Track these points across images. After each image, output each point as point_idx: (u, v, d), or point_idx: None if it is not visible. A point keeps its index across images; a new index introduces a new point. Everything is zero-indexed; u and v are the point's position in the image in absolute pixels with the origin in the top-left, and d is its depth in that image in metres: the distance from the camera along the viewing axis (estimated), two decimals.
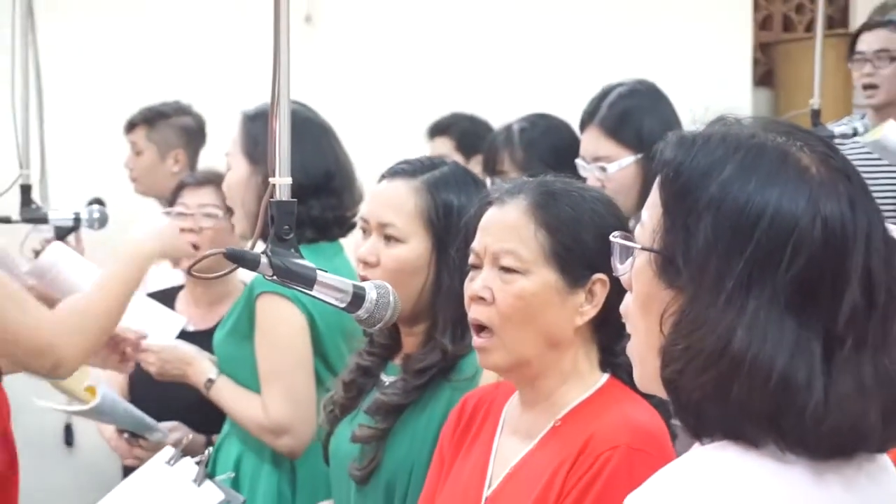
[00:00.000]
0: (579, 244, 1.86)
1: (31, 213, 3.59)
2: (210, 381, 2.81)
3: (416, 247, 2.24)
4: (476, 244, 1.91)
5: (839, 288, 1.18)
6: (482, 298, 1.87)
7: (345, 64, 4.60)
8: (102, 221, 3.69)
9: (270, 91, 1.92)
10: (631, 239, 1.31)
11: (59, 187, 3.75)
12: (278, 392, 2.67)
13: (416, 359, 2.23)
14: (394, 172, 2.30)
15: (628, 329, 1.33)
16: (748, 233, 1.18)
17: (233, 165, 2.82)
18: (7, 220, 3.49)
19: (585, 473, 1.74)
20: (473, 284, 1.89)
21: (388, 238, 2.24)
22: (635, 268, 1.29)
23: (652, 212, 1.27)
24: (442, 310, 2.21)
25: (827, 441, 1.18)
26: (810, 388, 1.16)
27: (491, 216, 1.91)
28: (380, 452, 2.21)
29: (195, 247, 3.22)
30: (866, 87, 4.23)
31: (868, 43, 4.26)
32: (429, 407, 2.21)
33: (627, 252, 1.31)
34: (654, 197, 1.28)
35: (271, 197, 1.91)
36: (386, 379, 2.29)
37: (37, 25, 3.60)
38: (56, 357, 2.31)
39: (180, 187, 3.35)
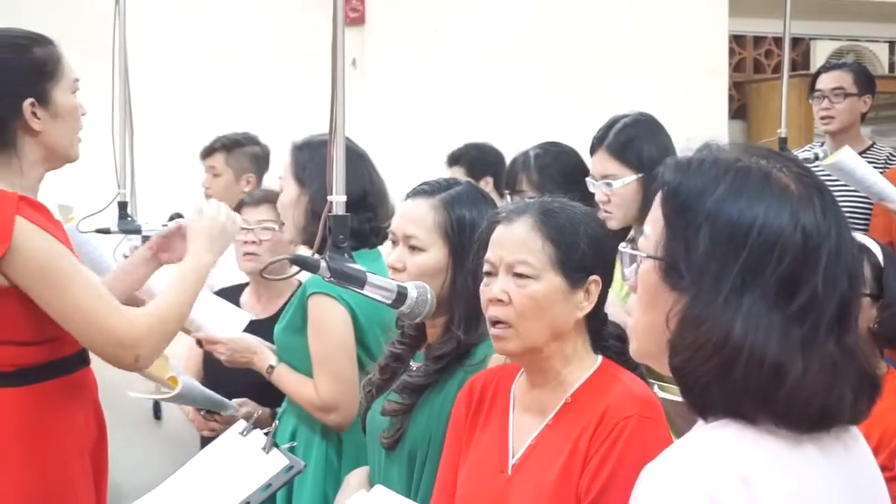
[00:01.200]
0: (578, 252, 1.89)
1: (127, 225, 3.60)
2: (271, 367, 2.81)
3: (435, 254, 2.25)
4: (490, 256, 1.93)
5: (810, 281, 1.19)
6: (500, 300, 1.89)
7: (384, 101, 4.62)
8: None
9: (328, 124, 1.97)
10: (636, 249, 1.31)
11: (145, 204, 3.79)
12: (327, 375, 2.68)
13: (435, 347, 2.24)
14: (416, 192, 2.32)
15: (631, 316, 1.35)
16: (741, 242, 1.20)
17: (285, 187, 2.82)
18: (107, 231, 3.50)
19: (606, 439, 1.77)
20: (492, 289, 1.91)
21: (412, 248, 2.25)
22: (640, 273, 1.30)
23: (655, 225, 1.28)
24: (457, 306, 2.22)
25: (807, 413, 1.19)
26: (793, 368, 1.17)
27: (502, 232, 1.94)
28: (405, 424, 2.22)
29: (255, 255, 3.28)
30: (823, 117, 4.27)
31: (825, 82, 4.30)
32: (446, 387, 2.21)
33: (633, 259, 1.32)
34: (657, 212, 1.29)
35: (329, 212, 1.95)
36: (414, 365, 2.30)
37: (129, 68, 3.64)
38: (138, 352, 2.30)
39: (240, 205, 3.37)
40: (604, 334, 1.97)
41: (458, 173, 4.27)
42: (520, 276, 1.89)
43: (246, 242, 3.27)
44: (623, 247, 1.36)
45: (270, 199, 3.11)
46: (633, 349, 1.35)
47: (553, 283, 1.89)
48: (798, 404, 1.19)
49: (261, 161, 4.08)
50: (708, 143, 1.31)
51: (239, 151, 4.05)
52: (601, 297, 1.92)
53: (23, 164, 2.31)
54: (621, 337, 1.97)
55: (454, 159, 4.20)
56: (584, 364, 1.93)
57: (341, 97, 1.98)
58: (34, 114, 2.29)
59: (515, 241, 1.91)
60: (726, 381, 1.19)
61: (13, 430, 2.27)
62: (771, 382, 1.18)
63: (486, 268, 1.95)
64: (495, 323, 1.91)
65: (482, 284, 1.95)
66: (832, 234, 1.22)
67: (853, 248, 1.25)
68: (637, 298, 1.32)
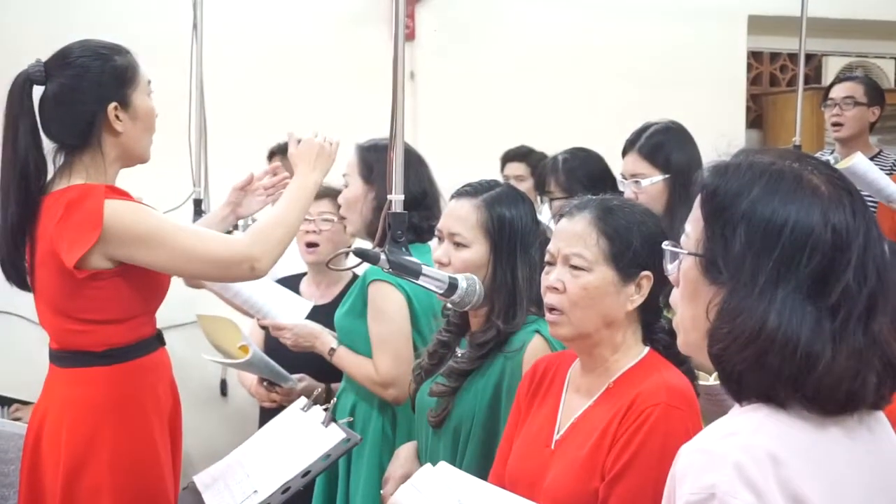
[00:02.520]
0: (631, 248, 1.87)
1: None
2: (332, 349, 2.83)
3: (477, 250, 2.25)
4: (551, 247, 1.93)
5: (841, 276, 1.18)
6: (556, 289, 1.89)
7: (439, 110, 4.63)
8: None
9: (389, 129, 1.97)
10: (678, 247, 1.30)
11: (217, 201, 3.80)
12: (387, 355, 2.68)
13: (477, 335, 2.25)
14: (460, 193, 2.33)
15: (675, 310, 1.33)
16: (775, 239, 1.18)
17: (350, 184, 2.84)
18: None
19: (633, 423, 1.76)
20: (550, 277, 1.91)
21: (457, 244, 2.26)
22: (682, 268, 1.29)
23: (695, 224, 1.27)
24: (497, 298, 2.23)
25: (834, 397, 1.18)
26: (824, 356, 1.16)
27: (563, 226, 1.93)
28: (450, 405, 2.24)
29: (315, 244, 3.28)
30: (834, 124, 4.23)
31: (837, 91, 4.26)
32: (487, 372, 2.22)
33: (674, 256, 1.31)
34: (696, 213, 1.28)
35: (389, 209, 1.95)
36: (459, 351, 2.31)
37: (204, 80, 3.67)
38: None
39: None
40: (654, 327, 1.94)
41: (520, 170, 4.30)
42: (575, 267, 1.88)
43: (307, 232, 3.27)
44: (666, 244, 1.34)
45: (331, 193, 3.10)
46: (680, 341, 1.34)
47: (605, 275, 1.87)
48: (826, 389, 1.17)
49: None
50: (745, 149, 1.30)
51: None
52: (654, 291, 1.89)
53: (105, 162, 2.33)
54: (671, 331, 1.93)
55: (515, 156, 4.22)
56: (631, 353, 1.91)
57: (401, 105, 1.98)
58: (117, 116, 2.31)
59: (573, 235, 1.90)
60: (761, 368, 1.18)
61: (105, 403, 2.30)
62: (803, 369, 1.16)
63: (546, 257, 1.94)
64: (551, 309, 1.91)
65: (543, 272, 1.95)
66: (861, 232, 1.21)
67: (882, 245, 1.24)
68: (679, 293, 1.31)
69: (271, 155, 4.05)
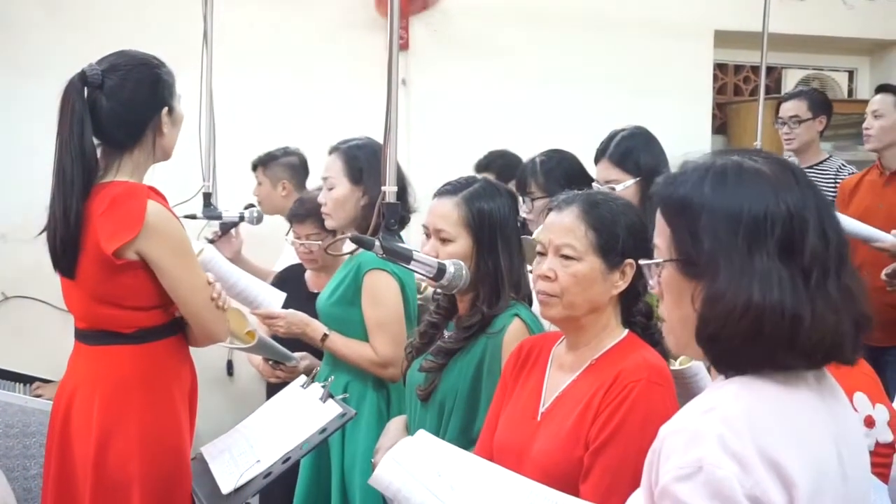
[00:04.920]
0: (616, 239, 1.88)
1: (210, 213, 3.65)
2: (325, 335, 2.82)
3: (462, 244, 2.26)
4: (542, 238, 1.94)
5: (805, 240, 1.20)
6: (548, 277, 1.90)
7: (425, 115, 4.63)
8: (259, 219, 3.76)
9: (384, 128, 1.97)
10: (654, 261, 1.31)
11: (225, 195, 3.80)
12: (385, 336, 2.70)
13: (464, 319, 2.26)
14: (441, 192, 2.33)
15: (664, 318, 1.32)
16: (736, 221, 1.20)
17: (336, 186, 2.82)
18: (193, 217, 3.55)
19: (616, 397, 1.76)
20: (542, 267, 1.92)
21: (443, 240, 2.27)
22: (663, 277, 1.29)
23: (662, 234, 1.29)
24: (482, 285, 2.24)
25: (822, 348, 1.20)
26: (806, 314, 1.17)
27: (553, 219, 1.94)
28: (436, 380, 2.25)
29: (312, 260, 3.30)
30: (786, 139, 4.32)
31: (785, 111, 4.35)
32: (471, 351, 2.23)
33: (653, 270, 1.31)
34: (660, 223, 1.29)
35: (383, 200, 1.96)
36: (447, 333, 2.32)
37: (213, 85, 3.67)
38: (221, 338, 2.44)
39: (291, 220, 3.37)
40: (633, 310, 1.96)
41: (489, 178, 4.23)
42: (565, 257, 1.89)
43: (302, 255, 3.30)
44: (643, 262, 1.35)
45: (314, 213, 3.09)
46: (671, 344, 1.33)
47: (593, 264, 1.88)
48: (815, 342, 1.19)
49: (296, 169, 3.99)
50: (685, 159, 1.32)
51: (273, 164, 3.97)
52: (634, 277, 1.91)
53: (146, 159, 2.36)
54: (647, 313, 1.96)
55: (483, 167, 4.19)
56: (613, 334, 1.92)
57: (395, 104, 1.98)
58: (166, 120, 2.35)
59: (563, 227, 1.91)
60: (758, 337, 1.18)
61: (135, 378, 2.31)
62: (793, 330, 1.18)
63: (538, 248, 1.95)
64: (543, 294, 1.91)
65: (535, 262, 1.96)
66: (810, 198, 1.23)
67: (832, 208, 1.26)
68: (665, 302, 1.31)
69: (253, 167, 4.04)
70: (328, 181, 2.85)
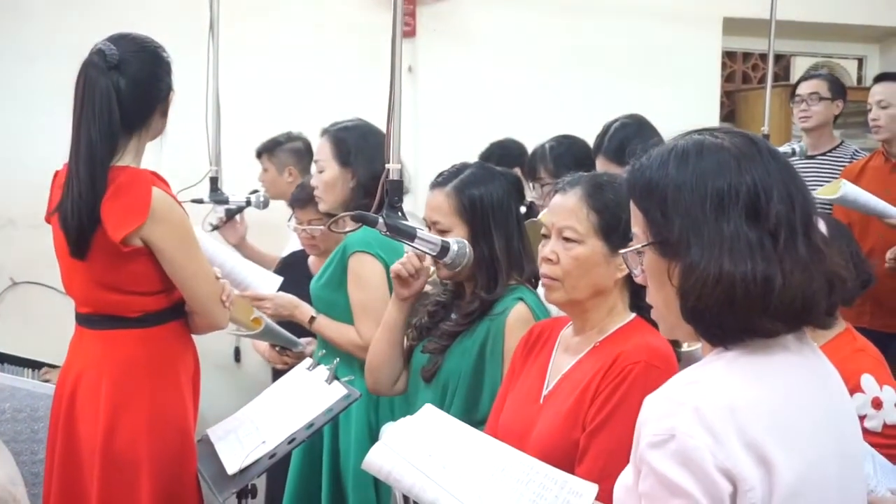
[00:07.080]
0: (619, 221, 1.86)
1: (217, 197, 3.67)
2: (313, 317, 2.83)
3: (458, 233, 2.26)
4: (546, 220, 1.93)
5: (770, 202, 1.21)
6: (550, 259, 1.89)
7: (431, 101, 4.63)
8: (266, 203, 3.77)
9: (387, 107, 1.97)
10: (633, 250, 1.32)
11: (231, 180, 3.83)
12: (369, 320, 2.67)
13: (465, 305, 2.27)
14: (433, 185, 2.33)
15: (652, 304, 1.34)
16: (702, 193, 1.22)
17: (326, 169, 2.82)
18: (200, 201, 3.56)
19: (614, 379, 1.76)
20: (545, 249, 1.91)
21: (440, 231, 2.27)
22: (646, 263, 1.30)
23: (637, 220, 1.31)
24: (479, 272, 2.25)
25: (793, 307, 1.20)
26: (777, 276, 1.18)
27: (556, 201, 1.93)
28: (440, 361, 2.26)
29: (314, 246, 3.29)
30: (801, 117, 4.24)
31: (804, 88, 4.27)
32: (473, 334, 2.24)
33: (635, 258, 1.32)
34: (633, 211, 1.31)
35: (387, 177, 1.95)
36: (453, 315, 2.33)
37: (220, 69, 3.68)
38: (224, 324, 2.45)
39: (293, 205, 3.37)
40: (641, 294, 1.92)
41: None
42: (567, 239, 1.88)
43: (305, 240, 3.29)
44: (622, 251, 1.36)
45: (315, 198, 3.08)
46: (662, 329, 1.34)
47: (595, 247, 1.87)
48: (787, 303, 1.19)
49: (301, 154, 3.99)
50: (644, 149, 1.33)
51: (279, 149, 3.98)
52: None
53: (144, 143, 2.35)
54: None
55: (484, 158, 4.16)
56: (619, 318, 1.91)
57: (398, 85, 1.98)
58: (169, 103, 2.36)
59: (565, 210, 1.90)
60: (733, 304, 1.19)
61: (141, 362, 2.33)
62: (766, 292, 1.18)
63: (542, 231, 1.94)
64: (546, 277, 1.91)
65: (540, 245, 1.95)
66: (772, 164, 1.24)
67: (798, 177, 1.27)
68: (649, 289, 1.32)
69: (258, 153, 4.04)
70: (318, 164, 2.85)
